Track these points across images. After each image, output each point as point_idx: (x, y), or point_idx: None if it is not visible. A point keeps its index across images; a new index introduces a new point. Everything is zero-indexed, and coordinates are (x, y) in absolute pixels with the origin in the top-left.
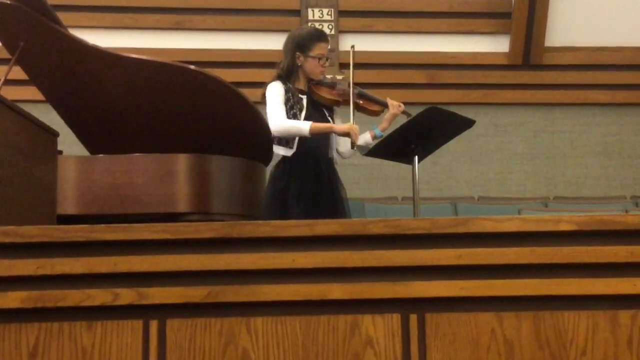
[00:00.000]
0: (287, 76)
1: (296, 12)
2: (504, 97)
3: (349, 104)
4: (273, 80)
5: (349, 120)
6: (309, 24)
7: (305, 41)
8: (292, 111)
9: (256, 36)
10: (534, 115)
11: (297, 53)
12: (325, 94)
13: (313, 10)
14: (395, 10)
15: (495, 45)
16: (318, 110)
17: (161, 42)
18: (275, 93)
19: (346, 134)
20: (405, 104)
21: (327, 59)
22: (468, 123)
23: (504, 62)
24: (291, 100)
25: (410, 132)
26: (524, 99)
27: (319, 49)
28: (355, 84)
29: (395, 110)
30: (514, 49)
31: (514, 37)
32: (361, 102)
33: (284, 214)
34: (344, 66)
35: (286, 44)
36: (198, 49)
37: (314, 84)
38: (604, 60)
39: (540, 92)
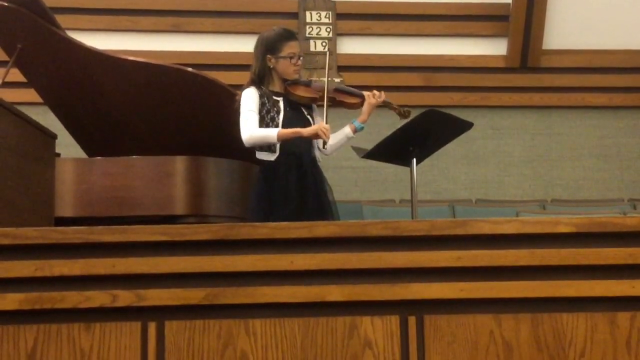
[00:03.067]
0: (260, 80)
1: (294, 15)
2: (501, 99)
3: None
4: (247, 86)
5: (330, 116)
6: (307, 26)
7: (273, 42)
8: (269, 115)
9: (254, 39)
10: (532, 118)
11: (268, 56)
12: (301, 92)
13: (311, 13)
14: (392, 13)
15: (493, 48)
16: (296, 110)
17: (159, 44)
18: (248, 100)
19: (315, 137)
20: (402, 106)
21: (299, 57)
22: (466, 126)
23: (502, 64)
24: (267, 105)
25: (408, 135)
26: (521, 102)
27: (289, 48)
28: (349, 86)
29: (372, 100)
30: (511, 51)
31: (511, 40)
32: (339, 96)
33: (267, 218)
34: (342, 69)
35: (256, 48)
36: (195, 51)
37: (289, 84)
38: (602, 63)
39: (538, 95)
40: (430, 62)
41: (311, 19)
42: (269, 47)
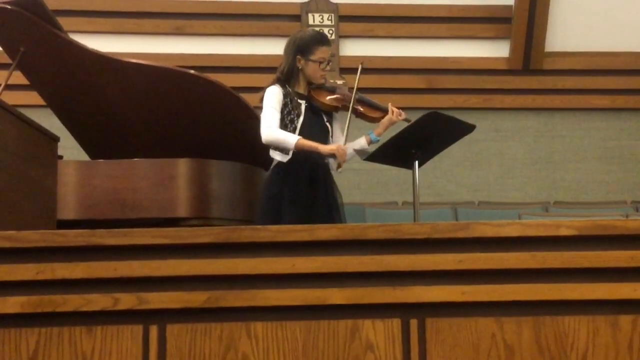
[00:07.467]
0: (286, 79)
1: (296, 17)
2: (504, 102)
3: (348, 110)
4: (272, 83)
5: (347, 124)
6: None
7: (307, 44)
8: (289, 116)
9: (256, 41)
10: (534, 120)
11: (298, 56)
12: (324, 99)
13: (313, 15)
14: (395, 15)
15: (495, 50)
16: (317, 115)
17: (162, 47)
18: (272, 98)
19: (332, 156)
20: (405, 109)
21: (328, 63)
22: (468, 128)
23: (504, 67)
24: (289, 105)
25: (410, 137)
26: (524, 104)
27: (320, 53)
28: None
29: (394, 117)
30: (514, 54)
31: (514, 42)
32: (361, 108)
33: (277, 219)
34: (344, 71)
35: (287, 47)
36: (198, 54)
37: (313, 88)
38: (604, 66)
39: (540, 97)
40: (433, 64)
41: (314, 21)
42: (301, 47)
